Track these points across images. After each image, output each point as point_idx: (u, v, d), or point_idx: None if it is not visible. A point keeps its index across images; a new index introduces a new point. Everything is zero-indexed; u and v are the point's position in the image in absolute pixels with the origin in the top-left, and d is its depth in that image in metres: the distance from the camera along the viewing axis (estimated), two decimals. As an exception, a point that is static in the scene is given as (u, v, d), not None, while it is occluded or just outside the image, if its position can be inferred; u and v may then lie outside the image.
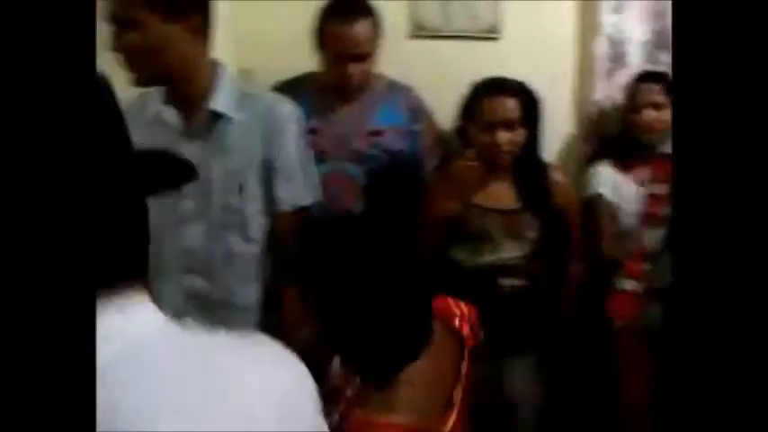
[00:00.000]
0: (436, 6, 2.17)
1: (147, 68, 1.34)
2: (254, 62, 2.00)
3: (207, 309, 1.47)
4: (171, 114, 1.43)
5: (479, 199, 1.71)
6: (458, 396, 0.98)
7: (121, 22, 1.29)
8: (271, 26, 2.08)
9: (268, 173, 1.42)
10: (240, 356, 0.66)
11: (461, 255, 1.71)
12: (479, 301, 1.67)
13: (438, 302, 1.04)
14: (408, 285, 0.92)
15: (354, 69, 1.70)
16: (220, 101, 1.40)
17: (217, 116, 1.40)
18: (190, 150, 1.41)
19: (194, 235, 1.45)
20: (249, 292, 1.47)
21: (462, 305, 1.11)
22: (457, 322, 1.06)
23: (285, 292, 1.02)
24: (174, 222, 1.45)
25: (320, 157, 1.60)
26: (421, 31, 2.18)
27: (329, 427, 0.80)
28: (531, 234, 1.74)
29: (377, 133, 1.80)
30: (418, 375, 0.91)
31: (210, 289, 1.46)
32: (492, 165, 1.70)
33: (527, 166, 1.74)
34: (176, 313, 1.65)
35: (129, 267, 0.64)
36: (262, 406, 0.61)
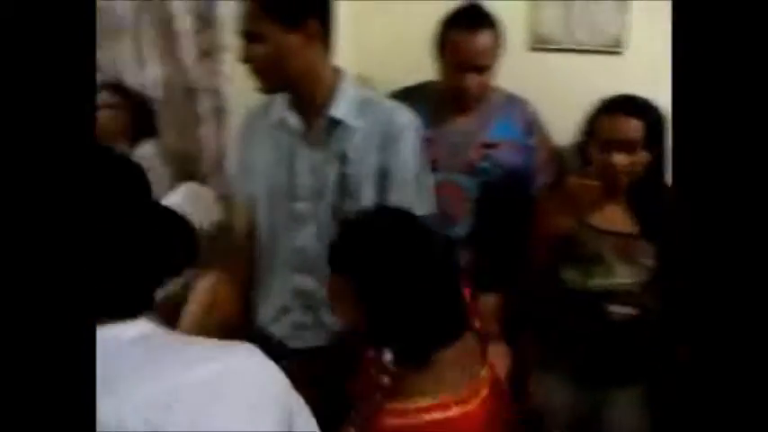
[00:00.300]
0: (558, 19, 2.11)
1: (271, 77, 1.40)
2: (373, 68, 2.03)
3: (312, 307, 1.51)
4: (293, 119, 1.48)
5: (594, 220, 1.65)
6: (485, 374, 1.04)
7: (248, 36, 1.37)
8: (391, 33, 2.11)
9: (383, 181, 1.43)
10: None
11: (571, 276, 1.66)
12: (587, 326, 1.61)
13: None
14: (448, 274, 1.00)
15: (473, 80, 1.69)
16: (340, 108, 1.43)
17: (336, 122, 1.44)
18: (309, 155, 1.46)
19: (306, 236, 1.50)
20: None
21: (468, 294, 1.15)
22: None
23: (331, 278, 1.05)
24: (289, 223, 1.50)
25: (432, 167, 1.60)
26: (541, 44, 2.13)
27: (365, 416, 0.90)
28: (647, 261, 1.65)
29: (491, 146, 1.77)
30: (449, 357, 0.97)
31: (317, 288, 1.50)
32: (608, 185, 1.63)
33: (647, 190, 1.65)
34: (283, 309, 1.71)
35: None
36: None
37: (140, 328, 0.75)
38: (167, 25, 2.43)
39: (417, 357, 0.97)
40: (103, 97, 2.41)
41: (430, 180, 1.52)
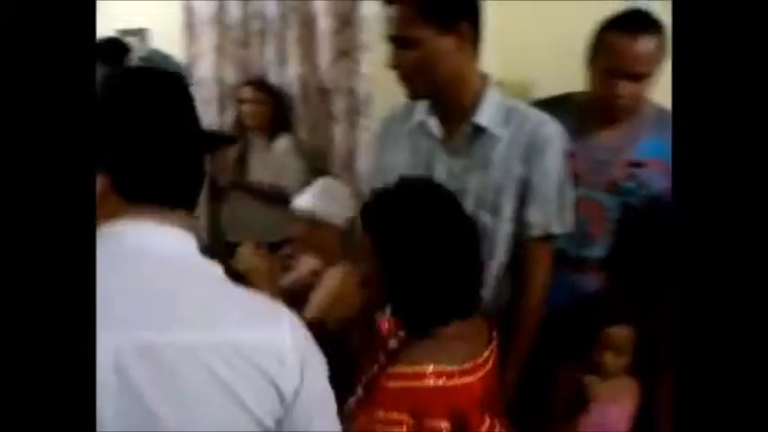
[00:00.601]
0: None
1: (421, 83, 1.37)
2: (518, 74, 1.97)
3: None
4: (434, 125, 1.44)
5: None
6: (491, 356, 1.04)
7: (399, 42, 1.33)
8: (539, 37, 2.03)
9: (523, 193, 1.37)
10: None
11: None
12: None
13: None
14: (468, 252, 1.03)
15: (626, 89, 1.56)
16: (485, 115, 1.38)
17: (479, 130, 1.39)
18: (448, 162, 1.42)
19: None
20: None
21: None
22: None
23: (361, 236, 1.06)
24: None
25: (574, 182, 1.51)
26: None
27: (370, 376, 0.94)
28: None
29: (638, 164, 1.65)
30: (456, 332, 1.00)
31: None
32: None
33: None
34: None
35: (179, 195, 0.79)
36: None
37: (180, 245, 0.78)
38: (309, 25, 2.52)
39: (422, 327, 1.00)
40: (247, 93, 2.54)
41: (572, 196, 1.44)
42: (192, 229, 0.81)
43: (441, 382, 0.94)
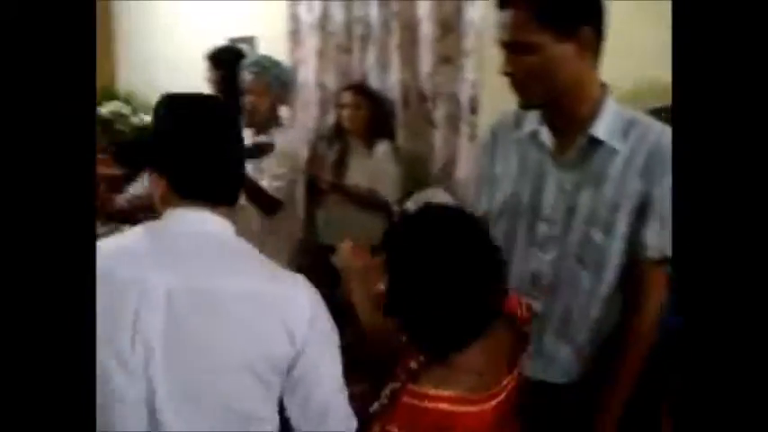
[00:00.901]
0: None
1: (535, 91, 1.30)
2: (628, 80, 1.87)
3: (537, 335, 1.41)
4: (547, 135, 1.38)
5: None
6: (509, 383, 1.04)
7: (513, 47, 1.27)
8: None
9: (640, 211, 1.29)
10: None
11: None
12: None
13: (508, 298, 1.12)
14: (476, 277, 0.99)
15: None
16: (602, 127, 1.30)
17: (596, 142, 1.31)
18: (559, 176, 1.36)
19: (543, 261, 1.39)
20: (585, 331, 1.37)
21: (524, 304, 1.18)
22: (519, 318, 1.14)
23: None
24: (527, 244, 1.41)
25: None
26: None
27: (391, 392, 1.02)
28: None
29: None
30: (473, 360, 1.00)
31: (547, 317, 1.40)
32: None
33: None
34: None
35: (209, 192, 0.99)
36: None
37: (219, 226, 0.99)
38: (412, 31, 2.52)
39: (434, 352, 1.02)
40: (347, 98, 2.57)
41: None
42: (230, 217, 1.01)
43: (453, 407, 0.96)
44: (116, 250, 0.98)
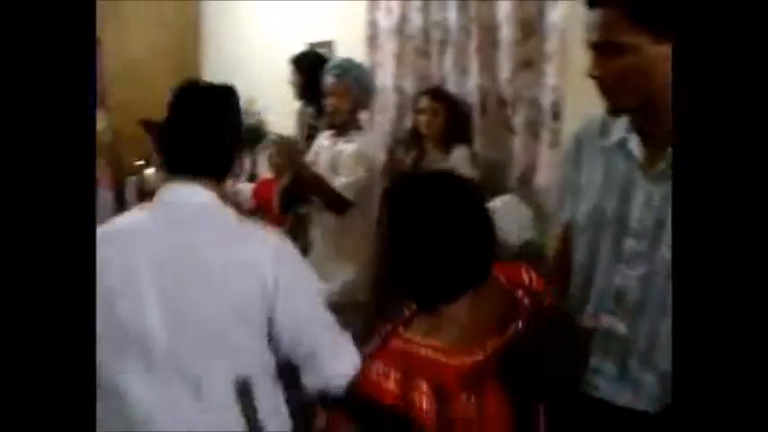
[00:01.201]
0: None
1: (626, 95, 1.24)
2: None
3: (620, 357, 1.34)
4: (636, 145, 1.31)
5: None
6: (493, 346, 1.06)
7: (603, 48, 1.22)
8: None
9: None
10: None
11: None
12: None
13: (512, 268, 1.20)
14: (462, 237, 1.07)
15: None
16: (698, 136, 1.24)
17: (691, 152, 1.25)
18: (648, 188, 1.29)
19: (630, 277, 1.32)
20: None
21: (534, 277, 1.19)
22: (519, 292, 1.15)
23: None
24: (612, 258, 1.35)
25: None
26: None
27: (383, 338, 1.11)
28: None
29: None
30: (458, 314, 1.08)
31: (629, 336, 1.32)
32: None
33: None
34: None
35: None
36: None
37: (206, 198, 1.17)
38: (491, 34, 2.48)
39: (424, 304, 1.11)
40: (423, 102, 2.56)
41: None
42: (215, 189, 1.19)
43: (431, 353, 1.04)
44: (121, 219, 1.25)
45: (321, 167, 2.44)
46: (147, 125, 1.66)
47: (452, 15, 2.59)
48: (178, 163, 1.20)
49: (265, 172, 3.65)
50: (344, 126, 2.41)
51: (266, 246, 1.20)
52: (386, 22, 2.88)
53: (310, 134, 2.96)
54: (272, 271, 1.15)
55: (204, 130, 1.20)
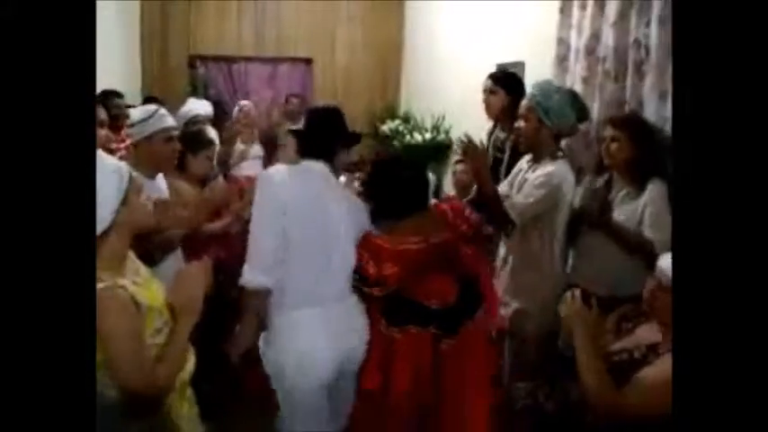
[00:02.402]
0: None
1: None
2: None
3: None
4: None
5: None
6: (419, 243, 1.97)
7: None
8: None
9: None
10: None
11: None
12: None
13: (456, 204, 2.24)
14: (406, 183, 2.08)
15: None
16: None
17: None
18: None
19: None
20: None
21: (471, 212, 2.17)
22: (458, 220, 2.13)
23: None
24: None
25: None
26: None
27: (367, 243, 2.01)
28: None
29: None
30: (406, 228, 2.00)
31: None
32: None
33: None
34: None
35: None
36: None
37: (322, 167, 1.97)
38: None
39: (387, 218, 2.05)
40: (608, 131, 2.31)
41: None
42: (328, 165, 2.00)
43: (388, 245, 1.95)
44: (281, 170, 1.98)
45: (506, 186, 2.45)
46: (294, 132, 2.25)
47: (653, 32, 2.33)
48: (306, 151, 2.03)
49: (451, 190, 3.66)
50: (538, 153, 2.34)
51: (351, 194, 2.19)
52: (576, 42, 2.70)
53: (496, 157, 2.88)
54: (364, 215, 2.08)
55: (321, 134, 2.04)
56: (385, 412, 1.92)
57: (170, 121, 2.30)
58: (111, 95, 3.50)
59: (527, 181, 2.33)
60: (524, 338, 2.41)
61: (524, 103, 2.36)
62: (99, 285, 1.28)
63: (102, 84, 3.68)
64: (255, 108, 4.78)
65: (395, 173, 2.07)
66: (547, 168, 2.28)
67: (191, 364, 1.60)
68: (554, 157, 2.33)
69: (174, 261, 2.22)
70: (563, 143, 2.44)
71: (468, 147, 2.24)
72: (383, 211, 2.05)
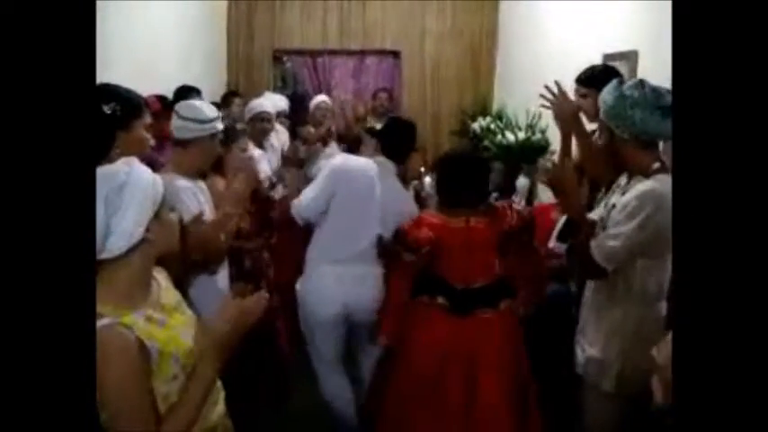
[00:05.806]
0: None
1: None
2: None
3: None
4: None
5: None
6: (477, 225, 2.32)
7: None
8: None
9: None
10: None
11: None
12: None
13: (504, 205, 2.49)
14: (468, 174, 2.36)
15: None
16: None
17: None
18: None
19: None
20: None
21: (515, 211, 2.40)
22: (508, 213, 2.37)
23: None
24: None
25: None
26: None
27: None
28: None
29: None
30: (459, 212, 2.33)
31: None
32: None
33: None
34: None
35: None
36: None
37: (391, 166, 2.66)
38: None
39: (447, 206, 2.38)
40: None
41: None
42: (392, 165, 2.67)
43: (434, 220, 2.32)
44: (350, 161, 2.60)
45: (601, 211, 1.94)
46: (370, 131, 2.61)
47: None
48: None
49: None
50: (629, 170, 1.86)
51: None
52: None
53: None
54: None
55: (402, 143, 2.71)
56: (401, 377, 2.29)
57: (220, 125, 2.12)
58: (188, 92, 3.36)
59: (614, 208, 1.81)
60: (602, 393, 1.86)
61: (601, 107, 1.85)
62: (100, 322, 1.09)
63: (186, 79, 3.60)
64: (334, 103, 4.55)
65: (451, 171, 2.36)
66: (638, 190, 1.75)
67: (219, 407, 1.35)
68: (648, 173, 1.77)
69: (209, 282, 2.02)
70: (661, 146, 1.84)
71: (555, 170, 1.86)
72: (444, 203, 2.36)
